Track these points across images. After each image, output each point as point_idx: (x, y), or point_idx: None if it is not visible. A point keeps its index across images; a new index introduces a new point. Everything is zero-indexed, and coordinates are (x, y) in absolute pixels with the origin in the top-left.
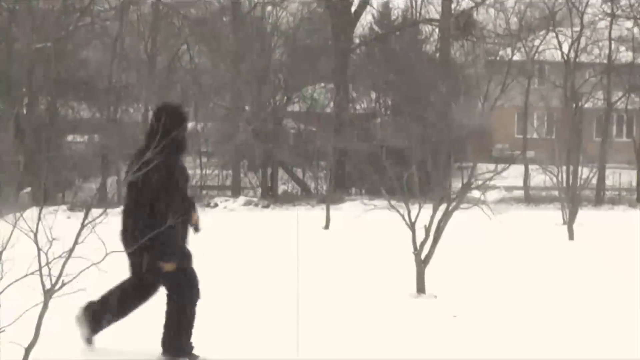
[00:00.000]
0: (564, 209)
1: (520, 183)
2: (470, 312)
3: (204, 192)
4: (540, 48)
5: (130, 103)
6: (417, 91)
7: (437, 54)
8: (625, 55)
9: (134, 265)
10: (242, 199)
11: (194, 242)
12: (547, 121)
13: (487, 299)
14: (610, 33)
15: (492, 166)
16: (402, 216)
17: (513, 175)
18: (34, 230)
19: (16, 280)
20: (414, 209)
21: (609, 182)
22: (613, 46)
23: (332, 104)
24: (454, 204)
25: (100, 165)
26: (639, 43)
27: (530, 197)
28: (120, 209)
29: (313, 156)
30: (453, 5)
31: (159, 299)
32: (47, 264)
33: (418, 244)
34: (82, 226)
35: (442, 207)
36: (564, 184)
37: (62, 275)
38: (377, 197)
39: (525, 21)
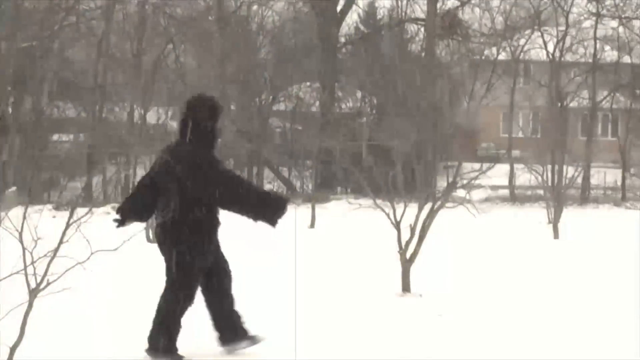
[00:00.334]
0: (549, 208)
1: (506, 182)
2: (455, 311)
3: None
4: (526, 47)
5: (116, 102)
6: (402, 90)
7: (423, 54)
8: (610, 54)
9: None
10: None
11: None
12: (532, 120)
13: (473, 298)
14: (595, 32)
15: (477, 165)
16: (388, 215)
17: (498, 174)
18: (19, 230)
19: (1, 280)
20: (399, 208)
21: (594, 181)
22: (598, 45)
23: (317, 103)
24: (439, 203)
25: (85, 165)
26: (624, 42)
27: (516, 196)
28: (104, 208)
29: (299, 155)
30: (438, 5)
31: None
32: (32, 263)
33: (403, 243)
34: (67, 225)
35: (428, 206)
36: (549, 183)
37: (48, 274)
38: (362, 196)
39: (511, 20)
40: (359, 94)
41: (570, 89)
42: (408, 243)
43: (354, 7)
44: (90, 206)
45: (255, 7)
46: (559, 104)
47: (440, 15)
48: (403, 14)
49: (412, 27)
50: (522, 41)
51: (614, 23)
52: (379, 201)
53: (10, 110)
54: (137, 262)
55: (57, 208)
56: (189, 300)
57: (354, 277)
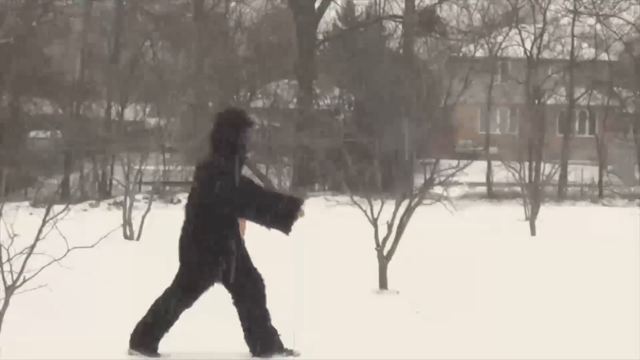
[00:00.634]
0: (526, 205)
1: (483, 179)
2: (432, 308)
3: (167, 188)
4: (503, 45)
5: (94, 99)
6: (380, 87)
7: (401, 50)
8: (587, 52)
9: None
10: None
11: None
12: (510, 117)
13: (450, 295)
14: (572, 30)
15: (455, 162)
16: (365, 212)
17: (475, 171)
18: None
19: None
20: (377, 205)
21: (571, 178)
22: (575, 43)
23: (295, 100)
24: (416, 200)
25: (63, 162)
26: (601, 40)
27: (493, 193)
28: (81, 205)
29: (276, 152)
30: (416, 2)
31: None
32: (9, 260)
33: (380, 240)
34: (44, 222)
35: (405, 203)
36: (527, 180)
37: (24, 271)
38: (340, 193)
39: (488, 18)
40: (336, 91)
41: (548, 86)
42: (385, 240)
43: (332, 4)
44: (67, 203)
45: (233, 4)
46: (537, 101)
47: (418, 12)
48: (381, 11)
49: (390, 24)
50: (499, 38)
51: (592, 20)
52: (356, 198)
53: None
54: (114, 258)
55: (34, 205)
56: (186, 305)
57: (331, 274)
